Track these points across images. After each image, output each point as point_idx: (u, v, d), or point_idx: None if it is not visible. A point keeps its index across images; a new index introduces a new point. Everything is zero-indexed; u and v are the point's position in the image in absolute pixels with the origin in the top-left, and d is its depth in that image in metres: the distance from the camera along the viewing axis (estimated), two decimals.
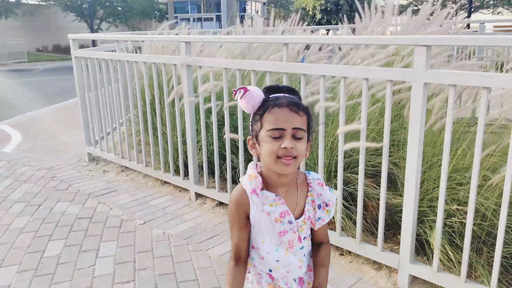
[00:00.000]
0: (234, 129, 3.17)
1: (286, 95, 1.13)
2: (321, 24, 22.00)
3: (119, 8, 26.62)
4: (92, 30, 25.39)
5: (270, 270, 1.20)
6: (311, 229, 1.21)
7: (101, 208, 3.31)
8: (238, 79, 2.78)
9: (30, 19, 25.95)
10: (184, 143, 3.39)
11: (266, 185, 1.15)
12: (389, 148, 2.45)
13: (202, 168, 3.31)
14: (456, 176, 2.30)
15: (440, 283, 2.12)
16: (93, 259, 2.58)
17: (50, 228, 2.97)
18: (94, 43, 14.85)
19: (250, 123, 1.16)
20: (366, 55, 2.55)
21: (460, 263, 2.06)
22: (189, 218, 3.11)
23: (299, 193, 1.16)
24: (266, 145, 1.09)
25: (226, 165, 3.08)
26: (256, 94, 1.11)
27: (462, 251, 2.03)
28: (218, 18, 25.62)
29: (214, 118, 3.06)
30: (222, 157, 3.25)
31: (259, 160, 1.16)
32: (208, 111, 3.26)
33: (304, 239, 1.17)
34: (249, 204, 1.15)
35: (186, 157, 3.43)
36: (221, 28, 7.15)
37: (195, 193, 3.39)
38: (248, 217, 1.16)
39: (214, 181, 3.27)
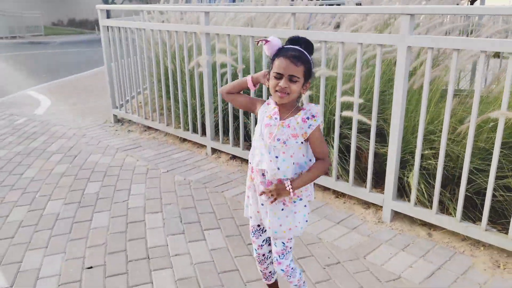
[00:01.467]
0: (245, 91, 3.58)
1: (296, 47, 1.51)
2: None
3: None
4: (106, 3, 25.64)
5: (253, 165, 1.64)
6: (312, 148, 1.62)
7: (128, 159, 3.78)
8: (251, 46, 3.18)
9: None
10: (202, 104, 3.82)
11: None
12: (380, 106, 2.86)
13: (217, 127, 3.75)
14: (431, 128, 2.69)
15: (416, 215, 2.55)
16: (127, 195, 3.05)
17: (87, 173, 3.45)
18: (108, 15, 15.21)
19: (268, 63, 1.59)
20: (364, 23, 2.92)
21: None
22: (206, 168, 3.57)
23: (292, 112, 1.57)
24: (271, 81, 1.52)
25: (239, 123, 3.51)
26: (274, 44, 1.52)
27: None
28: None
29: (229, 78, 3.46)
30: (235, 117, 3.67)
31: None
32: (224, 76, 3.66)
33: (278, 140, 1.54)
34: (260, 104, 1.65)
35: (203, 117, 3.87)
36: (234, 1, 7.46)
37: (211, 148, 3.83)
38: (254, 103, 1.67)
39: (228, 138, 3.70)
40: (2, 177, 3.40)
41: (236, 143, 3.68)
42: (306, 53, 1.52)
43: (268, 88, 1.61)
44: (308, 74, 1.52)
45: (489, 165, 2.23)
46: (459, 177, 2.59)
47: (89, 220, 2.72)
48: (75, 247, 2.42)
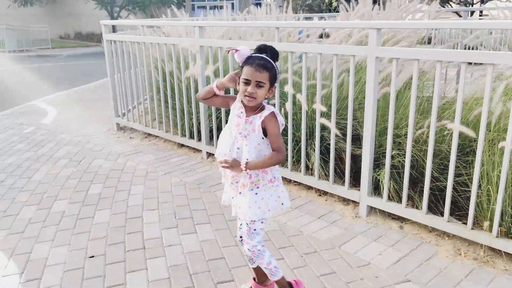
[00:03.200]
0: None
1: (262, 56, 1.77)
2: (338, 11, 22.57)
3: None
4: (112, 18, 26.24)
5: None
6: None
7: (129, 163, 4.06)
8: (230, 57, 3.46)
9: (52, 7, 26.96)
10: (198, 112, 4.10)
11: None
12: (356, 112, 3.13)
13: (212, 132, 4.03)
14: (396, 132, 2.95)
15: (388, 209, 2.80)
16: (126, 195, 3.33)
17: (91, 176, 3.73)
18: (114, 30, 15.69)
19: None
20: (342, 37, 3.20)
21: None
22: (201, 171, 3.84)
23: (257, 111, 1.82)
24: (240, 86, 1.78)
25: None
26: (243, 53, 1.78)
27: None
28: (233, 6, 26.13)
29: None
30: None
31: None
32: None
33: (240, 134, 1.79)
34: (232, 101, 1.90)
35: (199, 124, 4.15)
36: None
37: (207, 152, 4.11)
38: (227, 101, 1.92)
39: None
40: (12, 180, 3.69)
41: None
42: (271, 60, 1.79)
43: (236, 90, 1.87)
44: (273, 80, 1.79)
45: (447, 165, 2.49)
46: (422, 175, 2.84)
47: (92, 217, 2.99)
48: (79, 240, 2.69)
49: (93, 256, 2.50)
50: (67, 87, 8.89)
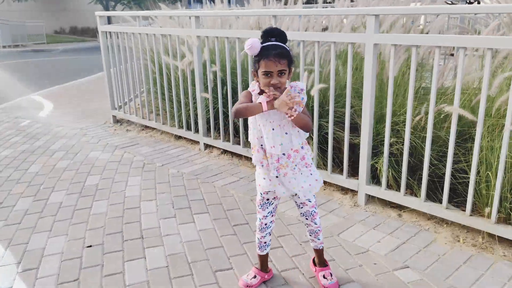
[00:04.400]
0: (233, 90, 3.83)
1: (275, 44, 1.75)
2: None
3: None
4: (107, 10, 26.06)
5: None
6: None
7: (126, 155, 4.03)
8: (227, 46, 3.44)
9: (48, 2, 26.76)
10: (195, 103, 4.08)
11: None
12: (352, 100, 3.10)
13: (209, 123, 4.01)
14: (394, 119, 2.94)
15: (386, 198, 2.79)
16: (124, 186, 3.31)
17: (88, 168, 3.71)
18: (109, 22, 15.62)
19: (253, 61, 1.83)
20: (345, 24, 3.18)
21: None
22: (199, 162, 3.82)
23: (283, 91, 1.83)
24: (262, 80, 1.78)
25: (229, 120, 3.77)
26: (255, 46, 1.75)
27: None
28: (230, 1, 26.01)
29: (219, 82, 3.72)
30: (225, 115, 3.92)
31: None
32: (214, 76, 3.91)
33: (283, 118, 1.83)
34: (251, 94, 1.87)
35: (196, 116, 4.12)
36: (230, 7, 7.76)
37: (204, 143, 4.09)
38: (250, 98, 1.87)
39: (219, 134, 3.96)
40: (8, 172, 3.66)
41: (227, 139, 3.93)
42: (284, 45, 1.78)
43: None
44: (291, 63, 1.78)
45: (446, 152, 2.48)
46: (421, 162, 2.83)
47: (89, 207, 2.97)
48: (76, 230, 2.67)
49: (91, 246, 2.49)
50: (63, 81, 8.83)
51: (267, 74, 1.75)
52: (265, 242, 2.12)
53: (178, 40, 4.03)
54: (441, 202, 2.58)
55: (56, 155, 4.06)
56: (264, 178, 1.96)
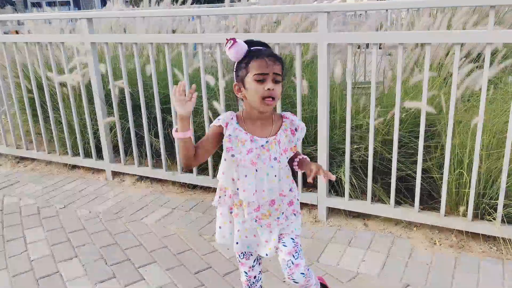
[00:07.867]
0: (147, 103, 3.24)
1: (263, 47, 1.38)
2: None
3: None
4: None
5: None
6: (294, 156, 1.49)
7: (8, 200, 3.11)
8: (151, 56, 2.88)
9: None
10: (94, 124, 3.34)
11: (244, 121, 1.40)
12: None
13: (117, 146, 3.33)
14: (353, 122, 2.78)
15: (353, 208, 2.59)
16: (23, 245, 2.48)
17: None
18: None
19: (235, 71, 1.38)
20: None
21: (364, 193, 2.55)
22: (111, 196, 3.13)
23: (274, 125, 1.42)
24: (252, 88, 1.33)
25: (143, 141, 3.17)
26: (242, 46, 1.33)
27: (366, 183, 2.51)
28: (76, 3, 23.73)
29: (127, 97, 3.08)
30: (137, 134, 3.28)
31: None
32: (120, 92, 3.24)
33: (274, 159, 1.41)
34: (224, 126, 1.39)
35: (97, 139, 3.39)
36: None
37: (112, 171, 3.38)
38: (217, 135, 1.40)
39: (132, 158, 3.31)
40: None
41: (144, 163, 3.31)
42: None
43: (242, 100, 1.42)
44: (284, 74, 1.39)
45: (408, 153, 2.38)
46: (382, 167, 2.71)
47: None
48: None
49: None
50: None
51: (261, 78, 1.32)
52: None
53: (64, 48, 3.23)
54: (409, 206, 2.47)
55: None
56: (239, 230, 1.52)
